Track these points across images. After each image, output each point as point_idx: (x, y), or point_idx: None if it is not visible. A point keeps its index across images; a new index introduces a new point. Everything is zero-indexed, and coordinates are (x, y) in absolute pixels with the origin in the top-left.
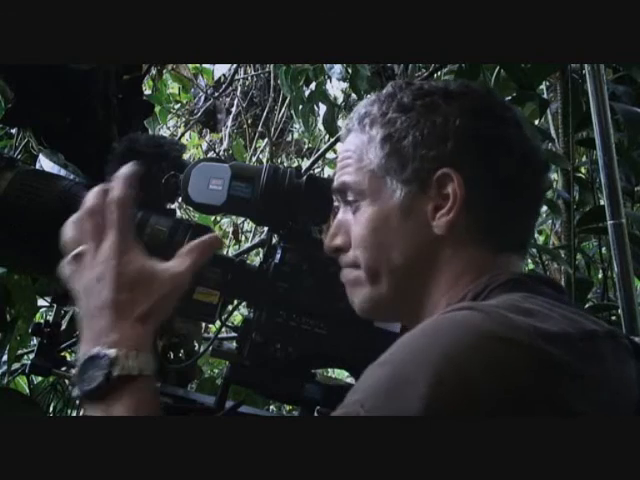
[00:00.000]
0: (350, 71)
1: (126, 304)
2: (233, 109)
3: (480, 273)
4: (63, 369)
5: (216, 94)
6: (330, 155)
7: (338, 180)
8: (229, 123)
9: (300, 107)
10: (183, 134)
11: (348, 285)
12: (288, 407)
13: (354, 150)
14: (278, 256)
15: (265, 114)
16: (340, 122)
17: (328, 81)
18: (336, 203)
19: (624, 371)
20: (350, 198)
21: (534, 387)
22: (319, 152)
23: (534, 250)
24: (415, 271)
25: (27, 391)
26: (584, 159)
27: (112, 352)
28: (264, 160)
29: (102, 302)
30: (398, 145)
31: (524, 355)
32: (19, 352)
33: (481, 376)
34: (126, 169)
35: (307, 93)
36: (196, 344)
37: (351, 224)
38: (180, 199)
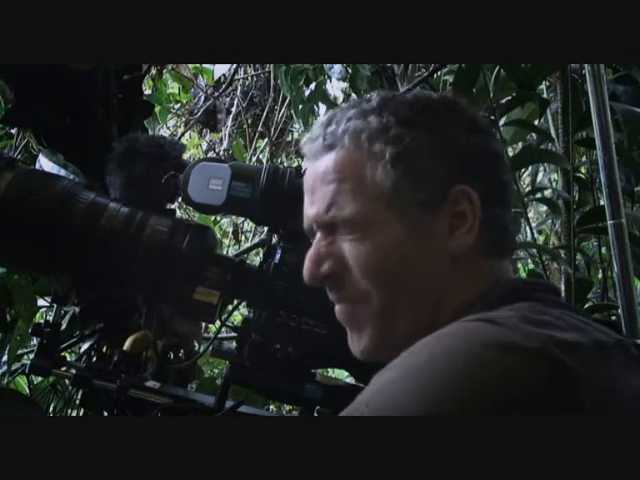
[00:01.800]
0: (350, 71)
1: None
2: (233, 109)
3: (484, 282)
4: (63, 369)
5: (216, 94)
6: None
7: (330, 214)
8: (229, 123)
9: (300, 107)
10: (183, 134)
11: (351, 322)
12: (288, 407)
13: (348, 172)
14: (278, 256)
15: (265, 114)
16: None
17: (328, 81)
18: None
19: (633, 381)
20: (347, 230)
21: (552, 396)
22: None
23: (534, 250)
24: (432, 300)
25: (27, 391)
26: (584, 159)
27: None
28: (264, 160)
29: None
30: (413, 163)
31: (540, 363)
32: (19, 352)
33: (493, 387)
34: None
35: (307, 93)
36: (196, 344)
37: (346, 251)
38: (180, 199)
